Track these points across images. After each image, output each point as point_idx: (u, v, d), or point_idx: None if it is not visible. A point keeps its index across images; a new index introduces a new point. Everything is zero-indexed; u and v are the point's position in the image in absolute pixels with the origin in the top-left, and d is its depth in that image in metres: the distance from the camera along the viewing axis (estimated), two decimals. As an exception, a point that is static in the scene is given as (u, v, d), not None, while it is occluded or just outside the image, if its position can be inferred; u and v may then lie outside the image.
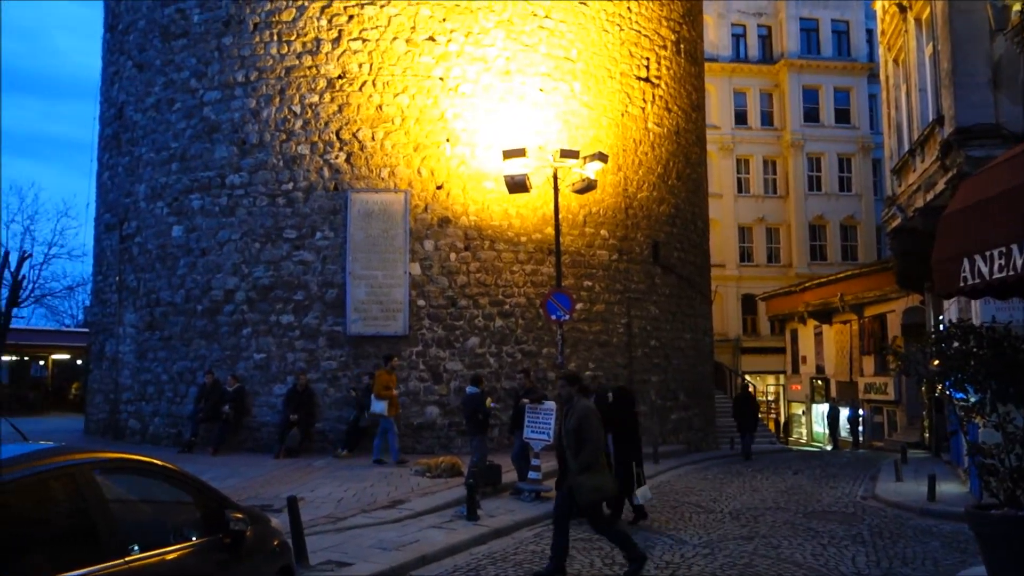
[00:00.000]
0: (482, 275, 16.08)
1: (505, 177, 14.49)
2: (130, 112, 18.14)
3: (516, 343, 16.20)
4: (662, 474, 15.16)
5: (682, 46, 20.66)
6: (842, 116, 40.45)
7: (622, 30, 18.40)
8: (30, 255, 31.95)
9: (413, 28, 16.10)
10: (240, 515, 4.52)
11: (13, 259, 30.89)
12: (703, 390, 21.50)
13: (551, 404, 11.06)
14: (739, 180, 40.08)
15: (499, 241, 16.26)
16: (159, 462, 4.43)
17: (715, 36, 39.01)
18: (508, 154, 14.17)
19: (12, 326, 30.29)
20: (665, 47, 19.75)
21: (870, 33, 39.19)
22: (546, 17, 17.05)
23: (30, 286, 32.90)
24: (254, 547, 4.73)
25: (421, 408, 15.47)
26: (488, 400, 12.21)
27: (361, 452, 14.54)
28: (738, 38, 40.93)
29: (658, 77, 19.38)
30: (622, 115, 18.24)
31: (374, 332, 15.54)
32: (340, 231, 15.68)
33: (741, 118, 40.32)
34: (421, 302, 15.72)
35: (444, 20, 16.22)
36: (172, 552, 4.06)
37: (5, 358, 30.69)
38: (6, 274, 30.43)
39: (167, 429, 16.56)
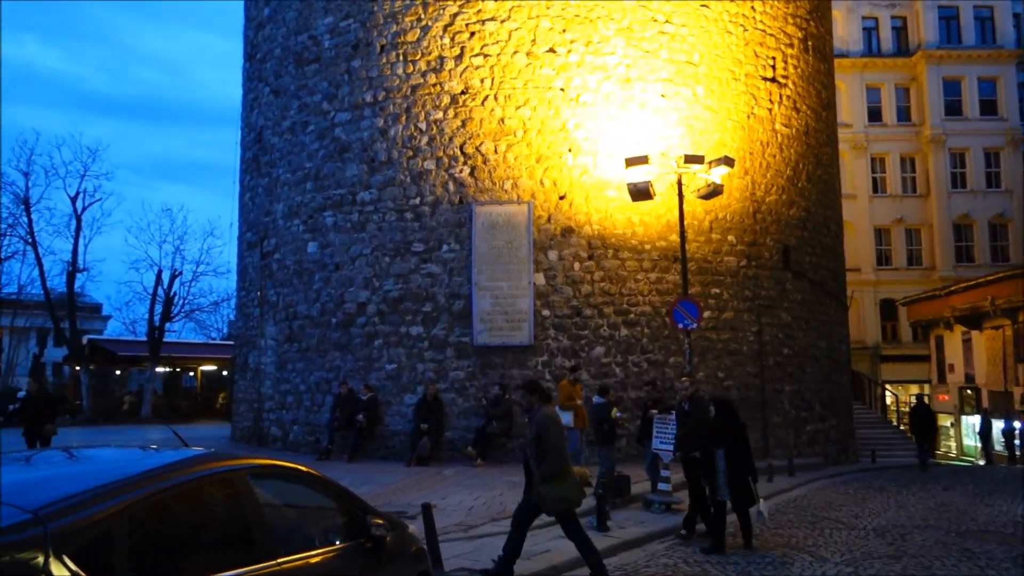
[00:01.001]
0: (606, 284, 15.99)
1: (628, 185, 14.42)
2: (268, 135, 19.16)
3: (642, 352, 16.01)
4: (798, 488, 14.58)
5: (810, 43, 19.93)
6: (988, 107, 37.95)
7: (746, 30, 17.93)
8: (180, 273, 34.20)
9: (533, 41, 16.26)
10: (380, 521, 4.64)
11: (165, 277, 33.23)
12: (840, 400, 20.56)
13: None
14: (874, 180, 38.23)
15: (623, 250, 16.12)
16: (304, 468, 4.58)
17: (844, 31, 37.43)
18: (630, 162, 14.08)
19: (165, 340, 32.50)
20: (792, 45, 19.11)
21: (1017, 18, 36.64)
22: (666, 22, 16.84)
23: (180, 302, 35.12)
24: (394, 552, 4.84)
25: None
26: (614, 410, 12.09)
27: (490, 460, 14.75)
28: (869, 31, 39.10)
29: (785, 77, 18.76)
30: (748, 117, 17.76)
31: (500, 342, 15.72)
32: (465, 243, 15.98)
33: (875, 115, 38.47)
34: (546, 312, 15.79)
35: (564, 31, 16.30)
36: (317, 555, 4.18)
37: (159, 369, 32.94)
38: (159, 291, 32.75)
39: (306, 436, 17.31)
